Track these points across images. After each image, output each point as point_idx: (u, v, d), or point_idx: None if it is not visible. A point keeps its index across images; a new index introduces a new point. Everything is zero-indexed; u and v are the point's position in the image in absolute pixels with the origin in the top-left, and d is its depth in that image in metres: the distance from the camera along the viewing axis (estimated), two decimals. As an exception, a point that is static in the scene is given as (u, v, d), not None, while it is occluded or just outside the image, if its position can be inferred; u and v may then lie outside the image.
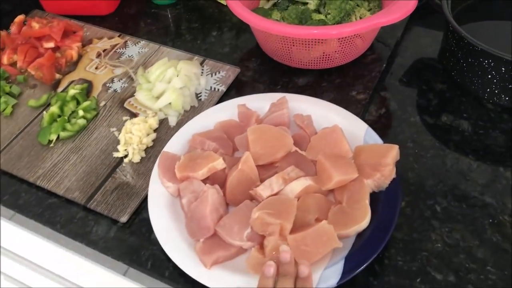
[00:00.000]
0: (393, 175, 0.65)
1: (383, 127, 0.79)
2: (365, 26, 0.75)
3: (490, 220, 0.67)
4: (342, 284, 0.59)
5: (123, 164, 0.75)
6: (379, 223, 0.62)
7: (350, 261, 0.59)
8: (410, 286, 0.61)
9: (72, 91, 0.83)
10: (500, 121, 0.78)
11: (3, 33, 0.95)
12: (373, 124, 0.77)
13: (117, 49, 0.94)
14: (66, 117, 0.80)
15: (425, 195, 0.70)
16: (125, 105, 0.84)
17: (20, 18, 0.96)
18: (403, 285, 0.61)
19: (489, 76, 0.78)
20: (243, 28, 0.97)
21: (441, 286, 0.61)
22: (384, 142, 0.71)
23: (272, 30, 0.77)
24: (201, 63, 0.89)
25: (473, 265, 0.63)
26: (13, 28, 0.95)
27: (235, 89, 0.86)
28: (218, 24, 1.00)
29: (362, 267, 0.58)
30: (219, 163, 0.67)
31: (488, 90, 0.80)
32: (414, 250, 0.64)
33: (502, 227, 0.66)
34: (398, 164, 0.66)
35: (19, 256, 1.07)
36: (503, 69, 0.75)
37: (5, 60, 0.91)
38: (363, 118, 0.80)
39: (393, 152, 0.65)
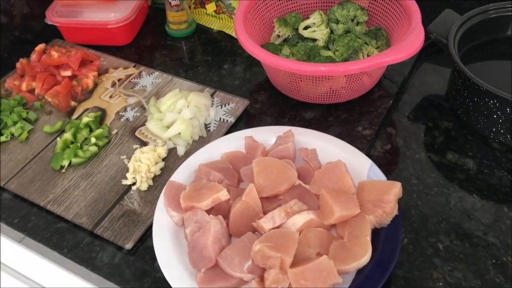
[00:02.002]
0: (395, 212, 0.66)
1: (388, 163, 0.80)
2: (371, 64, 0.77)
3: (493, 261, 0.67)
4: (341, 320, 0.59)
5: (131, 192, 0.77)
6: (379, 260, 0.63)
7: (350, 297, 0.59)
8: (410, 325, 0.61)
9: (85, 119, 0.86)
10: (506, 161, 0.79)
11: (24, 61, 0.99)
12: (378, 160, 0.78)
13: (131, 79, 0.97)
14: (78, 144, 0.83)
15: (427, 233, 0.70)
16: (136, 133, 0.86)
17: (40, 47, 1.00)
18: (403, 324, 0.61)
19: (495, 116, 0.78)
20: (254, 62, 1.00)
21: (442, 326, 0.61)
22: (389, 179, 0.72)
23: (281, 66, 0.79)
24: (212, 95, 0.92)
25: (474, 306, 0.62)
26: (34, 56, 0.99)
27: (243, 121, 0.88)
28: (230, 57, 1.03)
29: (361, 304, 0.59)
30: (223, 194, 0.68)
31: (493, 129, 0.80)
32: (415, 288, 0.64)
33: (505, 267, 0.66)
34: (401, 201, 0.67)
35: (25, 277, 1.09)
36: (508, 109, 0.76)
37: (24, 87, 0.95)
38: (368, 153, 0.81)
39: (395, 189, 0.66)
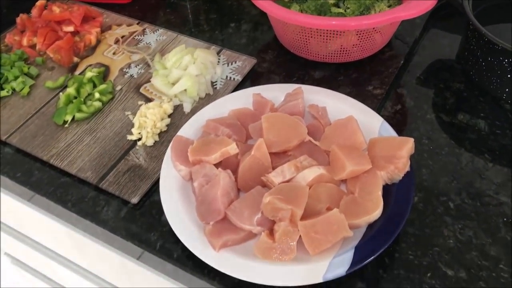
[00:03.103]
0: (407, 168, 0.65)
1: (398, 123, 0.78)
2: (384, 19, 0.75)
3: (504, 219, 0.66)
4: (351, 275, 0.58)
5: (136, 147, 0.75)
6: (390, 215, 0.62)
7: (360, 251, 0.59)
8: (420, 280, 0.60)
9: (89, 74, 0.84)
10: (518, 122, 0.77)
11: (24, 16, 0.96)
12: (388, 120, 0.77)
13: (135, 36, 0.95)
14: (82, 99, 0.81)
15: (438, 192, 0.69)
16: (141, 90, 0.84)
17: (41, 2, 0.97)
18: (412, 279, 0.60)
19: (509, 76, 0.77)
20: (261, 21, 0.97)
21: (452, 282, 0.60)
22: (399, 137, 0.70)
23: (291, 20, 0.77)
24: (218, 53, 0.89)
25: (485, 263, 0.62)
26: (34, 12, 0.96)
27: (250, 80, 0.86)
28: (236, 16, 1.00)
29: (372, 257, 0.58)
30: (232, 148, 0.67)
31: (506, 90, 0.79)
32: (425, 245, 0.64)
33: (516, 226, 0.65)
34: (412, 160, 0.66)
35: (30, 239, 1.08)
36: (523, 68, 0.74)
37: (25, 42, 0.92)
38: (378, 113, 0.79)
39: (408, 144, 0.65)
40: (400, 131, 0.77)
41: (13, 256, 1.23)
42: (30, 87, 0.86)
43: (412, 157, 0.66)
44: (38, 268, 1.21)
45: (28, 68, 0.88)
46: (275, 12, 0.78)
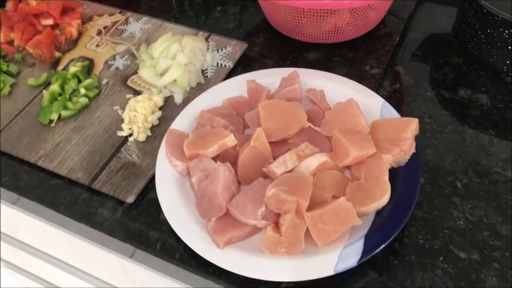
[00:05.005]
0: (413, 150, 0.62)
1: (398, 102, 0.76)
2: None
3: (514, 196, 0.64)
4: (361, 264, 0.56)
5: (128, 143, 0.72)
6: (399, 200, 0.60)
7: (370, 240, 0.56)
8: (433, 265, 0.58)
9: (73, 69, 0.80)
10: (521, 95, 0.75)
11: (-1, 10, 0.91)
12: (388, 100, 0.74)
13: (118, 26, 0.90)
14: (67, 96, 0.77)
15: (444, 172, 0.67)
16: (128, 82, 0.80)
17: (16, -6, 0.92)
18: (424, 265, 0.59)
19: (509, 48, 0.74)
20: (248, 3, 0.93)
21: (465, 265, 0.58)
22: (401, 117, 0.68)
23: (281, 1, 0.73)
24: (207, 39, 0.85)
25: (497, 243, 0.60)
26: (9, 5, 0.91)
27: (242, 66, 0.83)
28: (222, -1, 0.96)
29: (384, 245, 0.56)
30: (230, 140, 0.64)
31: (507, 62, 0.76)
32: (435, 228, 0.62)
33: (527, 203, 0.63)
34: (415, 140, 0.63)
35: (22, 243, 1.05)
36: (524, 39, 0.72)
37: (1, 38, 0.87)
38: (377, 93, 0.76)
39: (412, 125, 0.62)
40: (400, 111, 0.74)
41: (5, 259, 1.20)
42: (11, 86, 0.81)
43: (415, 138, 0.63)
44: (30, 269, 1.18)
45: (7, 66, 0.83)
46: (265, -7, 0.74)
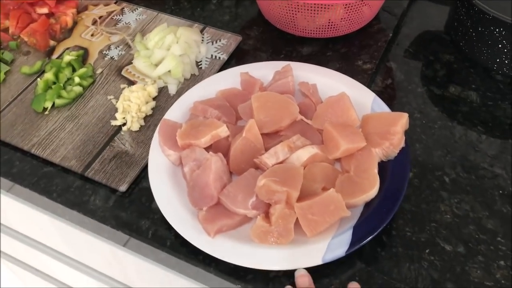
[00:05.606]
0: (402, 144, 0.63)
1: (389, 97, 0.77)
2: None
3: (500, 191, 0.65)
4: (349, 255, 0.57)
5: (122, 133, 0.72)
6: (387, 193, 0.61)
7: (359, 231, 0.57)
8: (419, 257, 0.60)
9: (67, 57, 0.80)
10: (510, 93, 0.76)
11: (-6, -2, 0.91)
12: (379, 95, 0.75)
13: (113, 16, 0.91)
14: (61, 84, 0.77)
15: (433, 166, 0.68)
16: (123, 72, 0.81)
17: (11, -18, 0.92)
18: (411, 256, 0.60)
19: (500, 46, 0.76)
20: (243, -4, 0.94)
21: (451, 257, 0.60)
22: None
23: (277, -5, 0.74)
24: (201, 31, 0.86)
25: (483, 236, 0.61)
26: (4, -7, 0.91)
27: (236, 58, 0.84)
28: (218, -8, 0.96)
29: (371, 236, 0.57)
30: (223, 131, 0.64)
31: (497, 60, 0.78)
32: (422, 221, 0.63)
33: (512, 198, 0.65)
34: (405, 135, 0.64)
35: (15, 231, 1.05)
36: (514, 38, 0.73)
37: (-4, 25, 0.88)
38: (369, 88, 0.77)
39: (402, 120, 0.63)
40: (391, 106, 0.75)
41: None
42: (5, 73, 0.81)
43: (405, 132, 0.65)
44: (24, 259, 1.18)
45: (2, 54, 0.83)
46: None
